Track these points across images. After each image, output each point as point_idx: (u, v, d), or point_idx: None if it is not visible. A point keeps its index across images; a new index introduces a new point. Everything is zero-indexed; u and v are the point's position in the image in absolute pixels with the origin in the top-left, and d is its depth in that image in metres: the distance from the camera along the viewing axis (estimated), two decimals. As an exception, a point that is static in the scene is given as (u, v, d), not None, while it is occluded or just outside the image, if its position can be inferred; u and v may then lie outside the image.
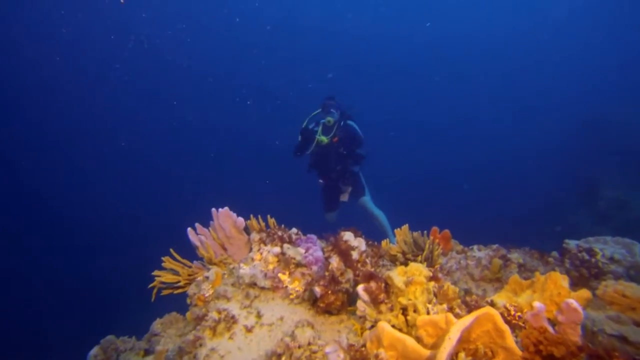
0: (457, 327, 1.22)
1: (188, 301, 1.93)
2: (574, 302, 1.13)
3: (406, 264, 2.15)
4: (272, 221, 2.13)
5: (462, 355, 1.27)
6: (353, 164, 5.27)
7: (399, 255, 2.14)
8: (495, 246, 2.42)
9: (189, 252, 2.23)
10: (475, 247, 2.53)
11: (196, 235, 2.08)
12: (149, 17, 20.19)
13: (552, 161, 12.77)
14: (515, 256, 2.38)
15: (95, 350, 1.89)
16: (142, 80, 20.78)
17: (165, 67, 21.47)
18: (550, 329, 1.17)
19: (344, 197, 5.40)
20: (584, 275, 2.25)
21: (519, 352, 1.18)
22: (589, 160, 10.49)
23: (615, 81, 16.66)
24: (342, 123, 5.05)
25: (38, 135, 18.24)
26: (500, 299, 1.57)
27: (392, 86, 22.82)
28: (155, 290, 2.07)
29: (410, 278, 1.55)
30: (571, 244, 2.69)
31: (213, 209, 2.07)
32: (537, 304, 1.20)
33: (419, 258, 2.07)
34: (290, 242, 1.96)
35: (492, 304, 1.53)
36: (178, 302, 2.36)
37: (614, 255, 2.47)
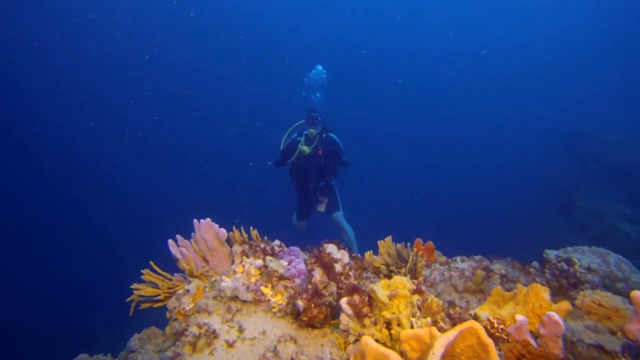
0: (441, 342, 1.22)
1: (168, 315, 1.87)
2: (555, 315, 1.14)
3: (390, 276, 2.15)
4: (254, 233, 2.10)
5: (445, 369, 1.26)
6: (332, 176, 5.51)
7: (383, 267, 2.13)
8: (478, 257, 2.45)
9: (170, 264, 2.17)
10: (458, 258, 2.55)
11: (177, 247, 2.02)
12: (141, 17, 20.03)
13: (530, 173, 13.10)
14: (498, 267, 2.40)
15: (67, 370, 1.81)
16: (121, 94, 20.46)
17: (144, 79, 21.16)
18: (532, 342, 1.18)
19: (321, 208, 5.56)
20: (563, 285, 2.29)
21: (502, 366, 1.18)
22: (566, 171, 10.82)
23: (592, 94, 17.30)
24: (324, 135, 5.29)
25: (18, 148, 17.70)
26: (484, 311, 1.58)
27: (374, 92, 23.05)
28: (133, 304, 2.00)
29: (394, 291, 1.54)
30: (551, 254, 2.75)
31: (195, 220, 2.02)
32: (519, 317, 1.21)
33: (403, 270, 2.07)
34: (273, 254, 1.93)
35: (476, 317, 1.54)
36: (158, 316, 2.28)
37: (590, 265, 2.54)
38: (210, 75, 22.72)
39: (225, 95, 22.51)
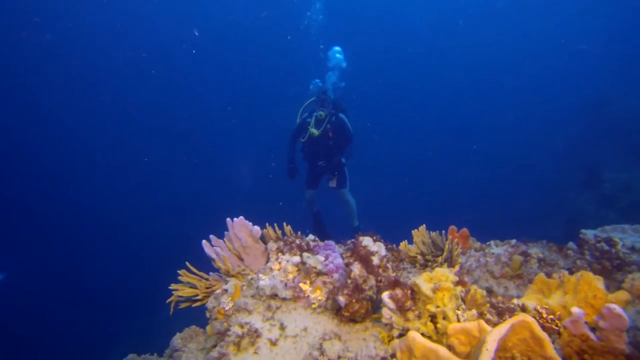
0: (494, 337, 1.19)
1: (207, 315, 1.89)
2: (617, 308, 1.09)
3: (426, 266, 2.12)
4: (288, 229, 2.09)
5: (499, 364, 1.24)
6: (341, 155, 5.69)
7: (419, 256, 2.10)
8: (513, 241, 2.39)
9: (202, 263, 2.19)
10: (492, 242, 2.50)
11: (211, 247, 2.03)
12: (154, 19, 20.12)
13: (555, 146, 12.70)
14: (535, 251, 2.34)
15: (117, 371, 1.86)
16: (149, 87, 20.68)
17: (172, 73, 21.26)
18: (592, 336, 1.13)
19: (333, 184, 5.75)
20: (607, 267, 2.21)
21: (560, 361, 1.14)
22: (593, 143, 10.42)
23: (619, 64, 16.47)
24: (333, 118, 5.44)
25: (48, 140, 18.18)
26: (530, 301, 1.53)
27: (395, 78, 22.54)
28: (172, 304, 2.03)
29: (437, 284, 1.51)
30: (588, 234, 2.65)
31: (228, 219, 2.02)
32: (576, 309, 1.16)
33: (439, 259, 2.04)
34: (309, 249, 1.92)
35: (523, 308, 1.49)
36: (185, 313, 2.29)
37: (635, 244, 2.44)
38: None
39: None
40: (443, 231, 2.16)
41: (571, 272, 1.96)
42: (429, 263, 2.07)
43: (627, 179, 8.32)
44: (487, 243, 2.45)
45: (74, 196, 16.77)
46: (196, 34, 21.41)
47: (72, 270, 12.11)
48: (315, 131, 5.34)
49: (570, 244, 2.60)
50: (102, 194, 16.76)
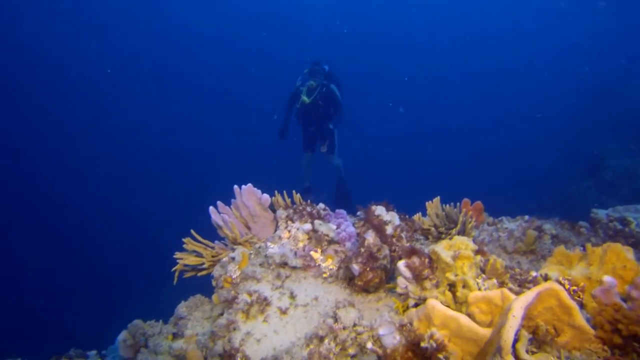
0: (520, 304, 1.13)
1: (214, 283, 1.83)
2: (653, 275, 1.03)
3: (439, 238, 2.06)
4: (297, 197, 2.02)
5: (523, 332, 1.18)
6: (329, 122, 6.10)
7: (432, 229, 2.04)
8: (526, 217, 2.33)
9: (207, 234, 2.11)
10: (504, 218, 2.44)
11: (219, 214, 1.96)
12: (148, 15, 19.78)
13: (557, 132, 12.60)
14: (548, 227, 2.29)
15: (124, 335, 1.81)
16: (151, 70, 20.46)
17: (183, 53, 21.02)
18: (625, 306, 1.08)
19: (323, 149, 6.22)
20: (622, 245, 2.16)
21: (590, 330, 1.09)
22: (595, 130, 10.32)
23: (621, 50, 16.23)
24: (324, 88, 5.79)
25: (53, 127, 18.00)
26: (552, 272, 1.48)
27: (401, 68, 22.27)
28: (177, 273, 1.97)
29: (457, 252, 1.45)
30: (600, 213, 2.60)
31: (236, 186, 1.95)
32: (607, 277, 1.11)
33: (452, 231, 1.98)
34: (320, 218, 1.86)
35: (546, 279, 1.44)
36: (189, 283, 2.23)
37: (649, 223, 2.39)
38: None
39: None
40: (458, 203, 2.09)
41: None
42: (442, 235, 2.02)
43: (630, 165, 8.26)
44: (500, 218, 2.40)
45: (83, 170, 16.68)
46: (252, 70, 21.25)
47: (78, 242, 12.10)
48: (306, 99, 5.71)
49: (582, 222, 2.56)
50: (109, 168, 16.69)
